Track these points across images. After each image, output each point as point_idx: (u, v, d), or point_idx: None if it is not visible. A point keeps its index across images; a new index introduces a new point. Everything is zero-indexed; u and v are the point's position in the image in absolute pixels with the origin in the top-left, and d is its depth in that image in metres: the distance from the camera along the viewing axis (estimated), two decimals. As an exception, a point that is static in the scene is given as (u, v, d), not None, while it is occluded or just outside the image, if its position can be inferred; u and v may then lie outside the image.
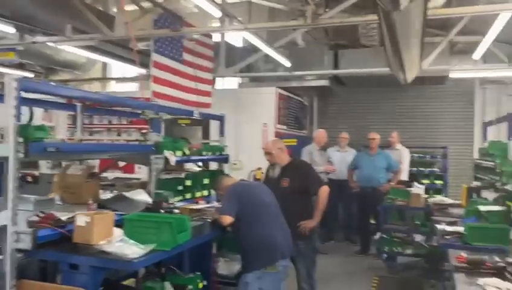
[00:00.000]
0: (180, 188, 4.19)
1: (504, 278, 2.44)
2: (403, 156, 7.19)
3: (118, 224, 2.94)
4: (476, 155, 7.42)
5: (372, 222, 6.92)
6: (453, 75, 6.99)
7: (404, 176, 7.18)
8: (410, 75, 5.17)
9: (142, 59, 6.11)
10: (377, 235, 5.98)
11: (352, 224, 7.30)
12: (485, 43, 5.62)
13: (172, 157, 3.82)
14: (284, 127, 7.62)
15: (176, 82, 5.54)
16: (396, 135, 7.27)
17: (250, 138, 6.92)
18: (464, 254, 2.79)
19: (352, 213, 7.20)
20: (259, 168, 6.61)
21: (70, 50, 5.96)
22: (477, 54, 6.30)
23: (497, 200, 4.29)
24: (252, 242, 3.27)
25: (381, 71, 6.51)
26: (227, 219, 3.24)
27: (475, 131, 8.22)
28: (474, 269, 2.59)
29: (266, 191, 3.57)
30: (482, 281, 2.36)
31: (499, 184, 4.15)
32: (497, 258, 2.69)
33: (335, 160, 7.22)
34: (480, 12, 4.36)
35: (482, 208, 3.89)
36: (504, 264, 2.59)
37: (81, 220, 2.72)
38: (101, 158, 5.03)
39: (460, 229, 3.43)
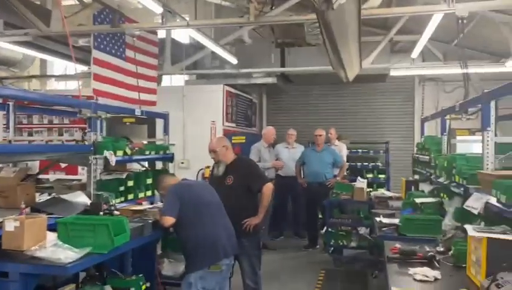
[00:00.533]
0: (122, 189, 4.09)
1: (433, 267, 2.57)
2: (341, 152, 7.38)
3: (53, 228, 2.83)
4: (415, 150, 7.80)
5: (320, 216, 7.09)
6: (393, 73, 7.28)
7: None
8: (351, 73, 5.32)
9: (84, 56, 5.90)
10: (324, 230, 6.12)
11: (300, 219, 7.42)
12: (422, 42, 5.90)
13: (113, 157, 3.72)
14: (233, 124, 7.63)
15: (118, 79, 5.41)
16: (334, 131, 7.42)
17: (198, 136, 6.88)
18: (398, 245, 2.91)
19: (301, 209, 7.32)
20: (207, 167, 6.57)
21: (5, 46, 5.63)
22: (415, 53, 6.60)
23: (432, 193, 4.50)
24: (195, 242, 3.25)
25: (325, 69, 6.65)
26: (169, 220, 3.20)
27: (415, 126, 8.60)
28: (406, 259, 2.71)
29: (208, 189, 3.56)
30: (412, 270, 2.48)
31: (433, 177, 4.37)
32: (428, 248, 2.83)
33: (283, 156, 7.30)
34: (414, 13, 4.57)
35: (418, 200, 4.07)
36: (434, 254, 2.73)
37: (10, 225, 2.59)
38: (36, 159, 4.79)
39: (396, 221, 3.58)
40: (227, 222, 3.47)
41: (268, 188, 3.95)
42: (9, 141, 3.19)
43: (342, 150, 7.37)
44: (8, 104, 4.13)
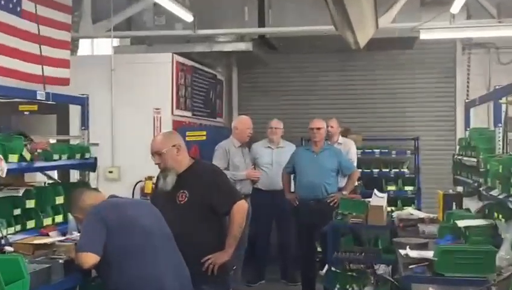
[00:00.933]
0: (17, 212, 4.05)
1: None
2: (349, 153, 7.41)
3: None
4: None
5: (319, 249, 7.11)
6: (424, 36, 7.36)
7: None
8: (363, 36, 5.36)
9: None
10: (325, 269, 6.15)
11: (290, 254, 7.44)
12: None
13: (3, 165, 3.67)
14: (187, 113, 7.62)
15: (11, 46, 5.34)
16: (335, 123, 7.46)
17: (134, 130, 6.86)
18: (432, 290, 2.94)
19: (291, 238, 7.34)
20: (149, 178, 6.54)
21: None
22: (457, 6, 6.68)
23: (481, 212, 4.57)
24: (128, 289, 3.23)
25: (324, 31, 6.69)
26: (89, 258, 3.18)
27: (457, 114, 8.75)
28: (445, 311, 2.73)
29: (149, 211, 3.55)
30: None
31: (484, 189, 4.44)
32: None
33: (264, 161, 7.30)
34: None
35: (461, 223, 4.12)
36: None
37: None
38: None
39: (430, 254, 3.62)
40: (178, 260, 3.46)
41: (240, 208, 3.96)
42: None
43: (349, 150, 7.43)
44: None
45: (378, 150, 8.35)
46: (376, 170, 8.30)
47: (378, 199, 5.86)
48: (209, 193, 3.92)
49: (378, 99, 9.05)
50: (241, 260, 6.19)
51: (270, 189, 7.23)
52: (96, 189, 3.97)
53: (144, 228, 3.36)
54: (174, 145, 3.97)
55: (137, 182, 6.77)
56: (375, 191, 6.13)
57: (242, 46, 7.84)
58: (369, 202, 5.83)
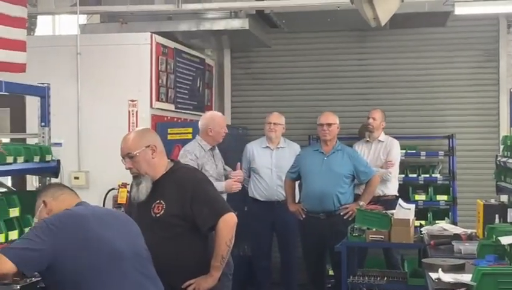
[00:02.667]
0: (-38, 227, 4.04)
1: None
2: (390, 154, 7.49)
3: None
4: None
5: (330, 273, 7.12)
6: (460, 10, 7.37)
7: (392, 189, 7.54)
8: (385, 11, 5.35)
9: None
10: (338, 297, 6.18)
11: (295, 278, 7.47)
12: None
13: None
14: (170, 106, 7.65)
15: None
16: (380, 114, 7.58)
17: (105, 127, 6.89)
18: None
19: (295, 259, 7.36)
20: (123, 185, 6.55)
21: None
22: (500, -26, 6.71)
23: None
24: None
25: (337, 4, 6.70)
26: (5, 265, 3.10)
27: (500, 107, 8.77)
28: None
29: (123, 226, 3.51)
30: None
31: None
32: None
33: (261, 165, 7.33)
34: None
35: (505, 239, 4.13)
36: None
37: None
38: None
39: (468, 278, 3.63)
40: (157, 288, 3.43)
41: (227, 223, 3.96)
42: None
43: (390, 151, 7.49)
44: None
45: (404, 151, 8.33)
46: (401, 175, 8.27)
47: (404, 210, 5.88)
48: (190, 204, 3.93)
49: (403, 89, 9.04)
50: (228, 286, 6.15)
51: (269, 199, 7.27)
52: (72, 190, 3.93)
53: (110, 248, 3.29)
54: (148, 146, 3.99)
55: (109, 190, 6.78)
56: (400, 201, 6.15)
57: (236, 23, 7.81)
58: (393, 214, 5.86)
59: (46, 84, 5.09)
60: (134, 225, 3.62)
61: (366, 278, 5.90)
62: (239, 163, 6.63)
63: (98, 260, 3.26)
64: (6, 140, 5.51)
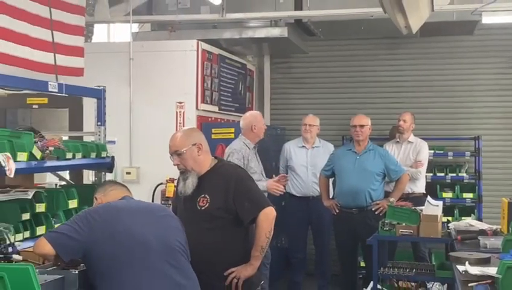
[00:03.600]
0: (25, 217, 4.10)
1: None
2: (420, 154, 7.46)
3: None
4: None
5: (362, 264, 7.10)
6: (487, 19, 7.29)
7: (420, 187, 7.49)
8: (416, 20, 5.33)
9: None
10: (369, 287, 6.15)
11: (329, 269, 7.46)
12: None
13: (11, 164, 3.74)
14: (214, 108, 7.68)
15: (19, 31, 5.39)
16: (410, 117, 7.56)
17: (154, 127, 6.94)
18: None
19: (329, 251, 7.35)
20: (171, 180, 6.61)
21: None
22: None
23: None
24: None
25: (371, 13, 6.66)
26: (44, 247, 3.20)
27: (525, 110, 8.66)
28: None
29: (156, 220, 3.51)
30: None
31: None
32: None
33: (298, 163, 7.33)
34: None
35: (528, 235, 4.09)
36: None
37: None
38: None
39: (493, 271, 3.59)
40: (184, 280, 3.40)
41: (267, 216, 3.97)
42: None
43: (421, 150, 7.46)
44: None
45: (433, 151, 8.27)
46: (430, 174, 8.21)
47: (433, 207, 5.83)
48: (233, 198, 3.96)
49: (432, 93, 8.97)
50: (266, 276, 6.17)
51: (305, 195, 7.30)
52: (125, 185, 3.98)
53: (138, 240, 3.33)
54: (194, 144, 4.01)
55: (158, 185, 6.84)
56: (429, 198, 6.11)
57: (276, 31, 7.82)
58: (422, 210, 5.82)
59: (102, 87, 5.14)
60: (173, 219, 3.63)
61: (396, 269, 5.87)
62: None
63: (125, 251, 3.29)
64: (65, 138, 5.59)
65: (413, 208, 5.99)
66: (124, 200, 3.62)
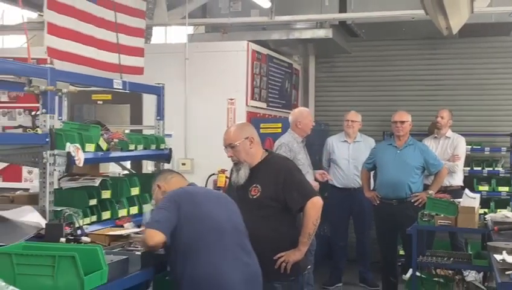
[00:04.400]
0: (92, 202, 4.19)
1: None
2: (457, 149, 7.37)
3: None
4: None
5: (401, 252, 7.05)
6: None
7: (458, 180, 7.41)
8: (457, 22, 5.26)
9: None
10: (408, 273, 6.11)
11: (369, 257, 7.43)
12: None
13: (80, 154, 3.82)
14: (262, 104, 7.70)
15: (87, 33, 5.51)
16: (447, 114, 7.49)
17: (207, 122, 6.99)
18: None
19: (370, 239, 7.32)
20: (222, 171, 6.66)
21: None
22: None
23: None
24: (191, 284, 3.32)
25: (412, 15, 6.59)
26: (155, 236, 3.28)
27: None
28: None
29: (225, 205, 3.62)
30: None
31: None
32: None
33: (340, 156, 7.31)
34: None
35: None
36: None
37: None
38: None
39: (531, 259, 3.55)
40: (252, 260, 3.51)
41: (315, 205, 3.98)
42: None
43: (458, 145, 7.39)
44: None
45: (470, 147, 8.16)
46: (467, 168, 8.11)
47: (470, 199, 5.76)
48: (283, 188, 3.97)
49: (469, 91, 8.85)
50: (311, 261, 6.20)
51: (347, 186, 7.30)
52: (181, 174, 4.06)
53: (214, 223, 3.43)
54: (247, 138, 4.04)
55: (210, 175, 6.88)
56: (467, 191, 6.04)
57: (321, 33, 7.82)
58: (459, 202, 5.74)
59: (161, 84, 5.20)
60: (233, 204, 3.71)
61: (434, 258, 5.83)
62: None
63: (205, 232, 3.38)
64: (126, 131, 5.69)
65: (451, 200, 5.93)
66: (193, 187, 3.69)
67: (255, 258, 3.58)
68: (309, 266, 4.93)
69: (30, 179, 6.89)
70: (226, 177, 6.58)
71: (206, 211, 3.47)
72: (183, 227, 3.34)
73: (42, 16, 5.46)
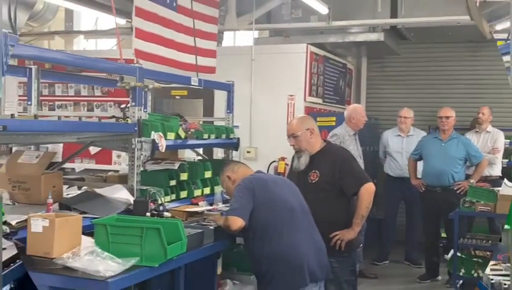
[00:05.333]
0: (172, 183, 4.28)
1: None
2: (497, 142, 7.22)
3: (87, 231, 3.07)
4: None
5: (443, 235, 6.94)
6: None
7: (497, 170, 7.25)
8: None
9: (124, 5, 6.20)
10: (450, 254, 6.03)
11: (415, 238, 7.34)
12: None
13: (162, 141, 3.92)
14: (319, 100, 7.67)
15: (168, 37, 5.59)
16: (488, 110, 7.32)
17: (269, 115, 7.02)
18: None
19: (416, 223, 7.23)
20: (282, 158, 6.70)
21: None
22: None
23: None
24: (271, 259, 3.34)
25: (458, 21, 6.44)
26: (237, 222, 3.32)
27: None
28: None
29: (291, 189, 3.64)
30: None
31: None
32: None
33: (394, 149, 7.26)
34: None
35: None
36: None
37: (37, 224, 2.83)
38: (65, 142, 5.15)
39: None
40: (317, 234, 3.53)
41: (368, 190, 3.96)
42: (35, 116, 3.45)
43: (498, 139, 7.25)
44: (30, 68, 4.48)
45: (509, 141, 7.90)
46: (505, 160, 7.85)
47: (509, 188, 5.63)
48: (339, 174, 3.96)
49: (508, 89, 8.55)
50: (362, 241, 6.17)
51: (399, 176, 7.25)
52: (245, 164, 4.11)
53: (286, 204, 3.46)
54: (308, 129, 4.05)
55: (272, 162, 6.94)
56: (506, 180, 5.89)
57: (373, 36, 7.73)
58: (499, 191, 5.65)
59: (231, 82, 5.27)
60: (296, 188, 3.73)
61: (474, 240, 5.80)
62: None
63: (279, 213, 3.41)
64: (201, 122, 5.78)
65: (491, 188, 5.86)
66: (263, 174, 3.72)
67: (319, 233, 3.60)
68: (361, 245, 4.90)
69: (118, 163, 7.11)
70: (286, 164, 6.62)
71: (277, 194, 3.49)
72: (260, 210, 3.36)
73: (130, 22, 5.58)
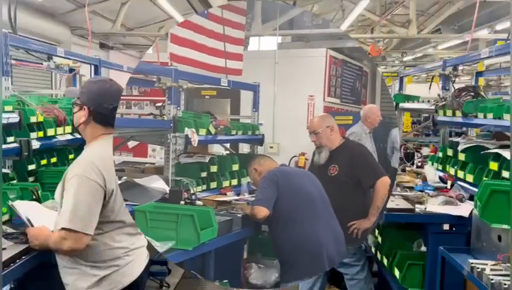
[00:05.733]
0: (203, 175, 4.34)
1: None
2: None
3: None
4: None
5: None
6: None
7: None
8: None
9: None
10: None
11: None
12: None
13: (195, 136, 3.97)
14: (337, 100, 7.66)
15: (200, 42, 5.66)
16: None
17: (291, 114, 7.04)
18: None
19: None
20: (302, 154, 6.70)
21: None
22: None
23: None
24: (292, 246, 3.37)
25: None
26: (262, 211, 3.34)
27: None
28: None
29: (312, 181, 3.65)
30: None
31: None
32: None
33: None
34: None
35: None
36: None
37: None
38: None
39: None
40: (336, 223, 3.55)
41: (384, 183, 3.91)
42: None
43: None
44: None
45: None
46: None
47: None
48: (357, 168, 3.93)
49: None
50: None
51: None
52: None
53: (307, 195, 3.47)
54: (328, 126, 4.02)
55: (293, 157, 6.94)
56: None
57: (388, 42, 7.73)
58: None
59: (257, 83, 5.31)
60: (316, 180, 3.73)
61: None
62: None
63: (301, 203, 3.42)
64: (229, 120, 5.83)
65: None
66: (286, 167, 3.74)
67: (338, 223, 3.61)
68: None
69: (153, 156, 7.20)
70: (306, 159, 6.63)
71: (299, 186, 3.50)
72: (283, 200, 3.38)
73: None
